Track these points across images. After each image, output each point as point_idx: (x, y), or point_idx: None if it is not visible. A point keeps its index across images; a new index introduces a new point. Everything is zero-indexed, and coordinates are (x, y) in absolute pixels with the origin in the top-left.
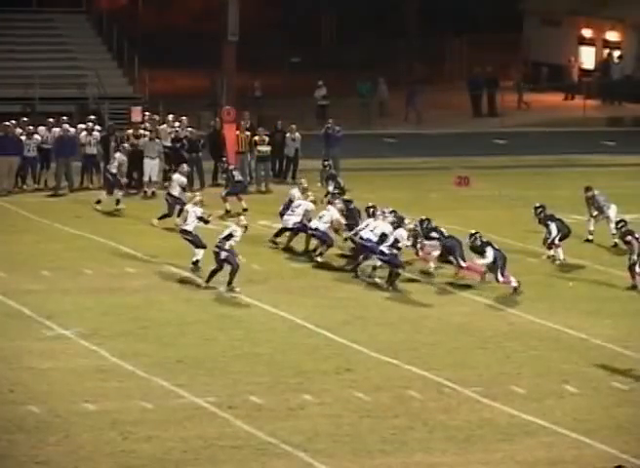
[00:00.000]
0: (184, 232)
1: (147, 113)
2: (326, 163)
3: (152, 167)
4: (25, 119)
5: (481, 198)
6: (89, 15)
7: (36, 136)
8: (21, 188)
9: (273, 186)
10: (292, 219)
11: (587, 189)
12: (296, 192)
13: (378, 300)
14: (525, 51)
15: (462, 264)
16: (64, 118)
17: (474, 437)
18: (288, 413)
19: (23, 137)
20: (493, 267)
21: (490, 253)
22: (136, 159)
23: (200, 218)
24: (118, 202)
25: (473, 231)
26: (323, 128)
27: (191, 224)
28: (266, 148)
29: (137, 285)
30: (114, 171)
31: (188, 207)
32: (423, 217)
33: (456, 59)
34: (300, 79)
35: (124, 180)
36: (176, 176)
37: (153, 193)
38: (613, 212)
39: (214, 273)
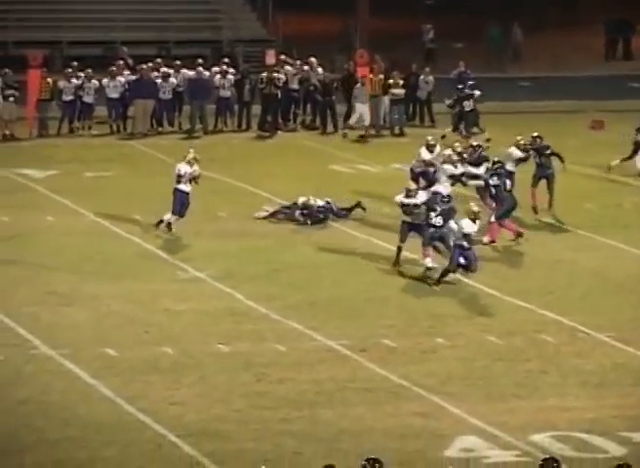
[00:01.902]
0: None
1: (283, 56)
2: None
3: (364, 111)
4: (159, 62)
5: (616, 142)
6: None
7: (171, 80)
8: (157, 131)
9: (407, 129)
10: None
11: (639, 130)
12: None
13: (511, 244)
14: None
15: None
16: (200, 61)
17: (608, 381)
18: (420, 357)
19: (159, 80)
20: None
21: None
22: (269, 103)
23: None
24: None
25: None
26: (456, 71)
27: None
28: (400, 91)
29: (270, 228)
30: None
31: None
32: (496, 159)
33: (591, 3)
34: (434, 22)
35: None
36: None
37: (363, 136)
38: None
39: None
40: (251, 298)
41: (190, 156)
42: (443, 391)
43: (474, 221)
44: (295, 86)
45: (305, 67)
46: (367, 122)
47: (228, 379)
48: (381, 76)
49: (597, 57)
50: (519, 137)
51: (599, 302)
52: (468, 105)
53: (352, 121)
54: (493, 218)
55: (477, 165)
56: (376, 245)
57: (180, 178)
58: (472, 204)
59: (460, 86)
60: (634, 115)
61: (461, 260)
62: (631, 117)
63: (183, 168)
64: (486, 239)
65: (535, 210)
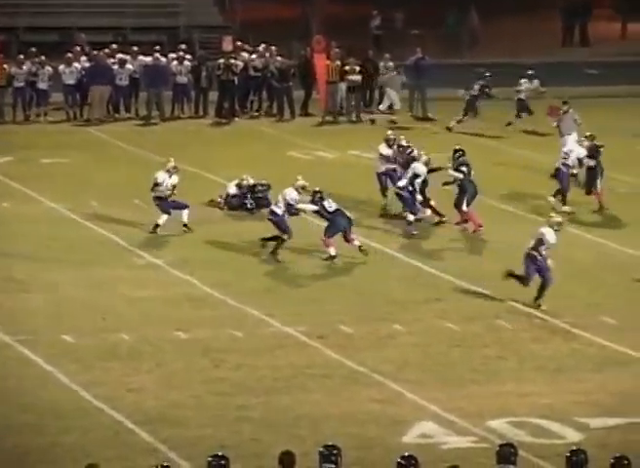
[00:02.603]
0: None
1: (239, 42)
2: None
3: (395, 98)
4: (115, 48)
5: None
6: None
7: (128, 66)
8: (113, 117)
9: (364, 116)
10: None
11: (564, 103)
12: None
13: (468, 231)
14: None
15: (465, 209)
16: (157, 47)
17: (565, 367)
18: (378, 343)
19: (115, 67)
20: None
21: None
22: (226, 89)
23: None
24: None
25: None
26: (413, 57)
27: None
28: (357, 78)
29: (225, 214)
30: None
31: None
32: (457, 147)
33: None
34: (395, 9)
35: None
36: None
37: (393, 121)
38: (571, 140)
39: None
40: (208, 285)
41: (170, 165)
42: (400, 377)
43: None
44: (252, 73)
45: (266, 54)
46: (397, 106)
47: (186, 366)
48: (338, 62)
49: (554, 42)
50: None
51: (556, 288)
52: (475, 90)
53: (383, 107)
54: (465, 208)
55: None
56: None
57: (156, 187)
58: (554, 214)
59: (487, 74)
60: (590, 101)
61: (536, 274)
62: (588, 103)
63: (161, 176)
64: (472, 228)
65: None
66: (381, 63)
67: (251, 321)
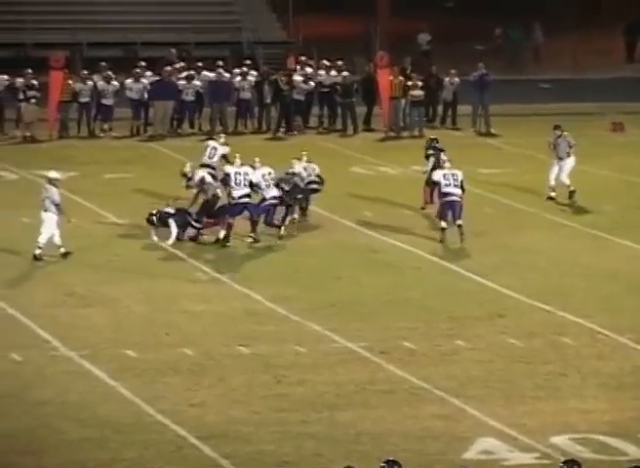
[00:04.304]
0: None
1: (303, 58)
2: None
3: None
4: (182, 64)
5: (636, 144)
6: None
7: (195, 82)
8: (177, 133)
9: (427, 131)
10: None
11: (556, 127)
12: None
13: (529, 245)
14: None
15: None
16: (220, 63)
17: (627, 384)
18: (440, 359)
19: (183, 82)
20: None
21: None
22: (289, 105)
23: None
24: None
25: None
26: (477, 73)
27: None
28: (420, 93)
29: (289, 230)
30: None
31: None
32: (432, 136)
33: (612, 4)
34: (455, 23)
35: None
36: None
37: None
38: (570, 164)
39: None
40: (270, 300)
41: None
42: (463, 393)
43: None
44: (325, 88)
45: (332, 72)
46: None
47: (248, 381)
48: (401, 78)
49: (618, 58)
50: None
51: (619, 304)
52: None
53: None
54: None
55: None
56: (394, 246)
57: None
58: None
59: None
60: None
61: None
62: None
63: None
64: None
65: None
66: (447, 79)
67: (313, 336)
